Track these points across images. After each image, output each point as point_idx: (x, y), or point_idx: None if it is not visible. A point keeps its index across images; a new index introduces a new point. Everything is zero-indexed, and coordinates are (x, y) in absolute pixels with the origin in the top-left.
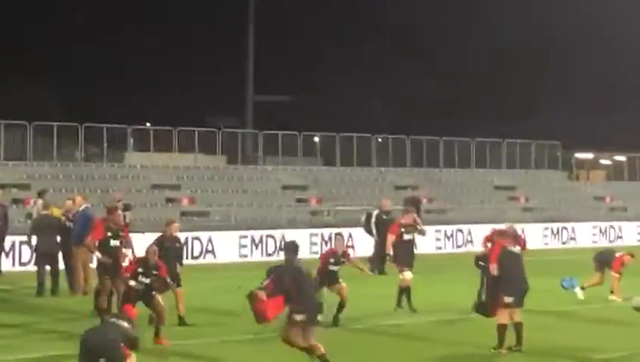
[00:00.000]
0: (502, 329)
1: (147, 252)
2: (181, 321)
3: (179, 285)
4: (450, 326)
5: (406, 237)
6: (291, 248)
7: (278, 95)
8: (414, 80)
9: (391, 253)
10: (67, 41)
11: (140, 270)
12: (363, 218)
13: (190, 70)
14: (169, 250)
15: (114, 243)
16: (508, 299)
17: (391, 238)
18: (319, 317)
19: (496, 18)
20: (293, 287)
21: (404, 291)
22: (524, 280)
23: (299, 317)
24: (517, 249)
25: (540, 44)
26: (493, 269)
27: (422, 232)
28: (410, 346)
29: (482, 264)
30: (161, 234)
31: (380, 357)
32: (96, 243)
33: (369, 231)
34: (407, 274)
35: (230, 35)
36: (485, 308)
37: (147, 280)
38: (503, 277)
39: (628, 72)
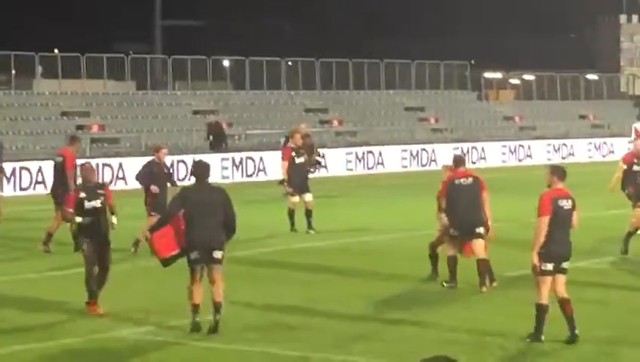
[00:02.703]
0: (450, 261)
1: (83, 170)
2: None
3: None
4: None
5: (297, 160)
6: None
7: (187, 19)
8: (322, 1)
9: (285, 177)
10: None
11: (82, 195)
12: (282, 141)
13: None
14: (159, 176)
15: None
16: (454, 232)
17: (284, 164)
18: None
19: None
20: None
21: (307, 213)
22: (471, 213)
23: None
24: (468, 180)
25: None
26: (442, 203)
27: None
28: (325, 268)
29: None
30: (148, 160)
31: (291, 281)
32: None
33: None
34: (307, 196)
35: None
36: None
37: (97, 203)
38: (449, 210)
39: None
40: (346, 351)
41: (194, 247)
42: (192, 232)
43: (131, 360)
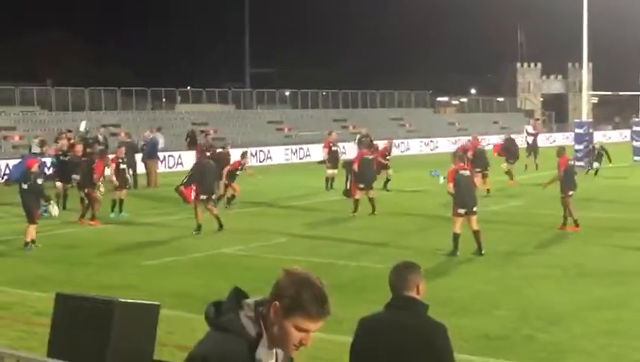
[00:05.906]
0: (357, 202)
1: None
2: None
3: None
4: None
5: (333, 148)
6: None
7: (265, 68)
8: (348, 56)
9: (326, 157)
10: (140, 24)
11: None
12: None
13: (216, 55)
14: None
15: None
16: (361, 185)
17: (325, 151)
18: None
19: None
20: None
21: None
22: (371, 174)
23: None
24: (370, 156)
25: (411, 29)
26: (356, 167)
27: None
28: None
29: (347, 165)
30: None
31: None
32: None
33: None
34: (334, 170)
35: (232, 32)
36: (348, 192)
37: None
38: (358, 173)
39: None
40: (356, 259)
41: (205, 193)
42: (204, 183)
43: (232, 266)
